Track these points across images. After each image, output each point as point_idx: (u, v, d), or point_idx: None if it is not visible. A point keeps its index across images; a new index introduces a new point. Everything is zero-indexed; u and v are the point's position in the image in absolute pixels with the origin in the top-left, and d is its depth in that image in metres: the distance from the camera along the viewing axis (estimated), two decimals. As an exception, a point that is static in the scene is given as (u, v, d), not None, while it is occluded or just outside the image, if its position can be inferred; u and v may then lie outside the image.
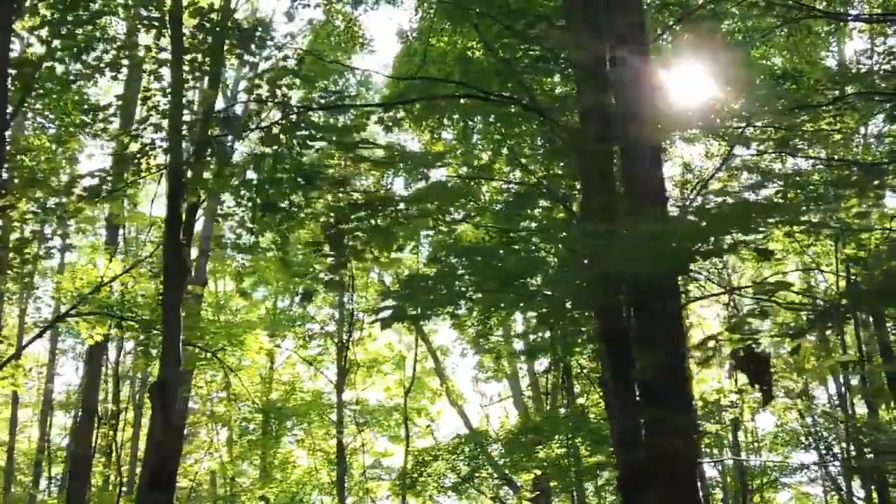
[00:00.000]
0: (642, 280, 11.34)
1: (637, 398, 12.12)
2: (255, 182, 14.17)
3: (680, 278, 16.58)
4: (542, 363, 34.90)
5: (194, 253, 30.85)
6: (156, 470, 13.65)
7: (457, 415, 39.70)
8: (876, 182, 12.76)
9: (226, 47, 15.51)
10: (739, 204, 11.08)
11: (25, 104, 18.54)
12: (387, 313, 12.21)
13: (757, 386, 10.72)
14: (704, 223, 9.98)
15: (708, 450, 34.82)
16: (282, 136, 13.77)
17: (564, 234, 13.76)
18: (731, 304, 32.44)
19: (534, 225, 15.64)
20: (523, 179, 20.10)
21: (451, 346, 40.15)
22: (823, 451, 28.14)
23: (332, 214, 13.69)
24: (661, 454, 11.44)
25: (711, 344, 12.00)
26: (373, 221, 13.81)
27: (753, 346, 9.92)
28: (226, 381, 33.21)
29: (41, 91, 17.51)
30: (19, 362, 32.28)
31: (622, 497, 12.80)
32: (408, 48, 24.76)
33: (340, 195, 13.90)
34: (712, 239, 10.31)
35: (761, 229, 10.42)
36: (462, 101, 16.34)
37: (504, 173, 22.25)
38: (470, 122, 22.37)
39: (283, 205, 14.06)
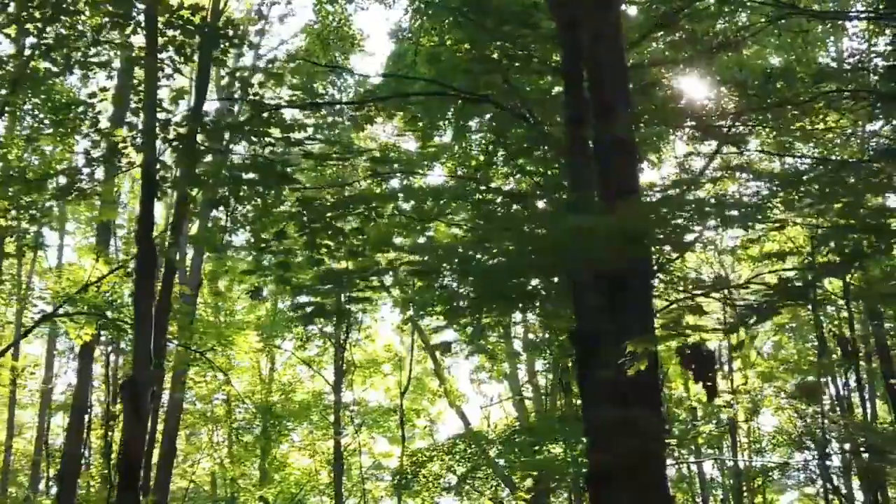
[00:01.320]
0: (602, 276, 11.28)
1: (605, 397, 12.04)
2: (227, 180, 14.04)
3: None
4: (543, 364, 34.88)
5: (190, 253, 30.91)
6: (127, 470, 13.57)
7: (456, 416, 39.58)
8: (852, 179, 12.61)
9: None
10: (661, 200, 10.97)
11: (15, 103, 18.53)
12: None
13: (701, 383, 10.63)
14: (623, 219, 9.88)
15: (711, 450, 34.73)
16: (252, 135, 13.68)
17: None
18: (728, 302, 32.26)
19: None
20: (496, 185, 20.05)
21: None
22: (817, 452, 27.89)
23: (304, 214, 13.62)
24: (629, 455, 11.36)
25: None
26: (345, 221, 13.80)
27: (699, 343, 9.81)
28: (221, 381, 33.15)
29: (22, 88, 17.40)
30: (15, 363, 32.38)
31: (589, 496, 12.72)
32: (399, 48, 24.68)
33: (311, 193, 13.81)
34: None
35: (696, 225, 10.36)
36: (440, 99, 16.34)
37: (503, 174, 22.22)
38: (464, 123, 22.37)
39: (254, 204, 13.97)
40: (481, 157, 23.24)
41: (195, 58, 15.17)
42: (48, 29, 14.92)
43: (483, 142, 23.60)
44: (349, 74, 26.14)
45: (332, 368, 37.79)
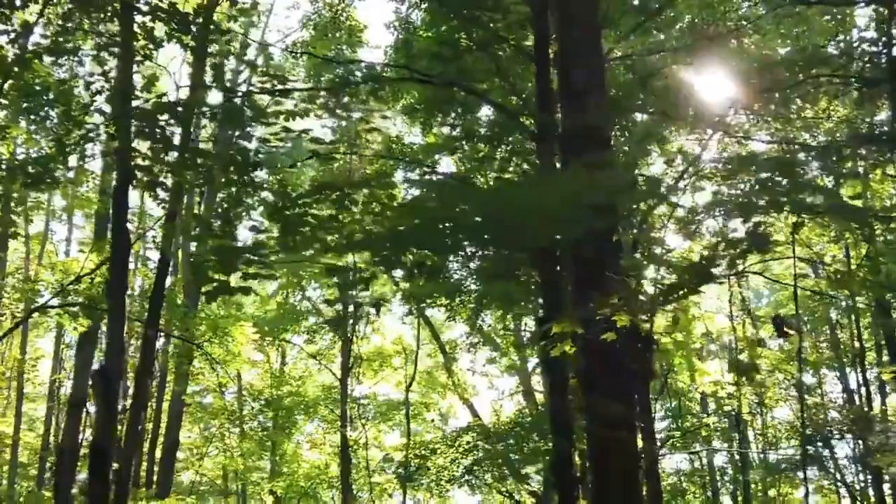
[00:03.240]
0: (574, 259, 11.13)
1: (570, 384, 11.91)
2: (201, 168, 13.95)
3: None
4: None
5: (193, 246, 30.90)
6: (96, 460, 13.47)
7: (466, 409, 39.43)
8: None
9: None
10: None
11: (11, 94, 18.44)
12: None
13: (637, 364, 10.45)
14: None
15: (725, 443, 34.58)
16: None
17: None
18: (737, 282, 32.33)
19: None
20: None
21: (460, 341, 39.51)
22: (821, 445, 27.65)
23: (278, 201, 13.50)
24: (602, 446, 11.22)
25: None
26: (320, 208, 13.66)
27: (637, 325, 9.61)
28: (230, 375, 33.14)
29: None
30: (18, 357, 32.49)
31: (554, 484, 12.59)
32: (396, 39, 24.59)
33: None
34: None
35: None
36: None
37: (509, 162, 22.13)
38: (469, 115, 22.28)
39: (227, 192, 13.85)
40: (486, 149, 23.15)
41: (165, 44, 14.98)
42: (14, 17, 14.80)
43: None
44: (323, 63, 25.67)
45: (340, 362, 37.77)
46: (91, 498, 13.32)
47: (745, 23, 21.92)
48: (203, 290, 9.66)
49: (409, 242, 10.05)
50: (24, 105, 15.45)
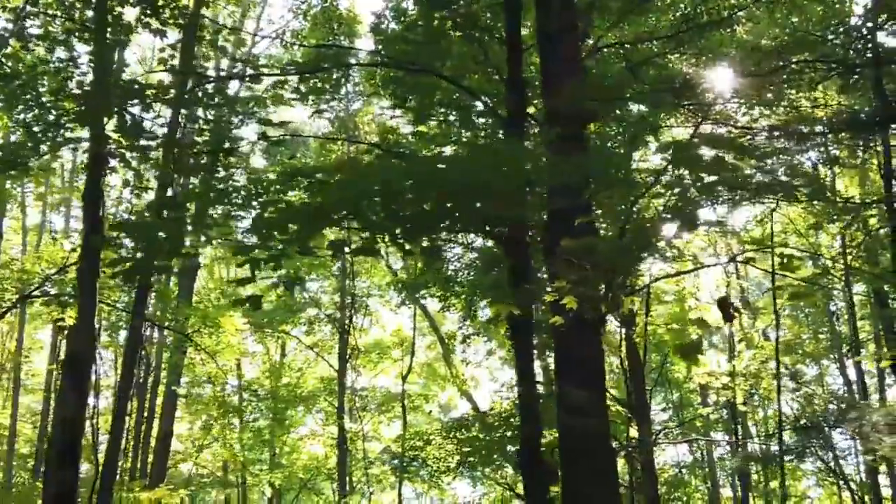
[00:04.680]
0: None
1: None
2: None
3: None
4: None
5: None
6: (65, 449, 13.34)
7: (466, 401, 39.35)
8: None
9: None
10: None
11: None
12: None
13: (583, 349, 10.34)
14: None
15: (720, 434, 34.49)
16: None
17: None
18: (735, 273, 32.37)
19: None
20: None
21: (458, 332, 39.34)
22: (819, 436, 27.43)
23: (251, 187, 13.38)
24: (571, 432, 11.12)
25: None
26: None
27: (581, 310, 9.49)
28: (226, 367, 33.06)
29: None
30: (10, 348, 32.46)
31: (521, 471, 12.50)
32: (386, 27, 24.38)
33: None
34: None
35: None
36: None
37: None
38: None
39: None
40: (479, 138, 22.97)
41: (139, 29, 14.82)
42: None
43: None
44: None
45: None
46: (57, 485, 13.21)
47: (739, 13, 21.77)
48: (106, 269, 9.50)
49: (320, 220, 9.78)
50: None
